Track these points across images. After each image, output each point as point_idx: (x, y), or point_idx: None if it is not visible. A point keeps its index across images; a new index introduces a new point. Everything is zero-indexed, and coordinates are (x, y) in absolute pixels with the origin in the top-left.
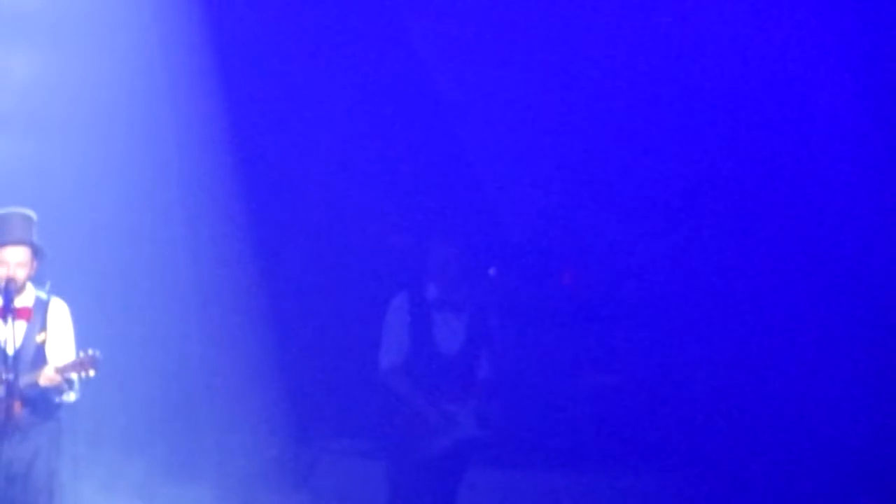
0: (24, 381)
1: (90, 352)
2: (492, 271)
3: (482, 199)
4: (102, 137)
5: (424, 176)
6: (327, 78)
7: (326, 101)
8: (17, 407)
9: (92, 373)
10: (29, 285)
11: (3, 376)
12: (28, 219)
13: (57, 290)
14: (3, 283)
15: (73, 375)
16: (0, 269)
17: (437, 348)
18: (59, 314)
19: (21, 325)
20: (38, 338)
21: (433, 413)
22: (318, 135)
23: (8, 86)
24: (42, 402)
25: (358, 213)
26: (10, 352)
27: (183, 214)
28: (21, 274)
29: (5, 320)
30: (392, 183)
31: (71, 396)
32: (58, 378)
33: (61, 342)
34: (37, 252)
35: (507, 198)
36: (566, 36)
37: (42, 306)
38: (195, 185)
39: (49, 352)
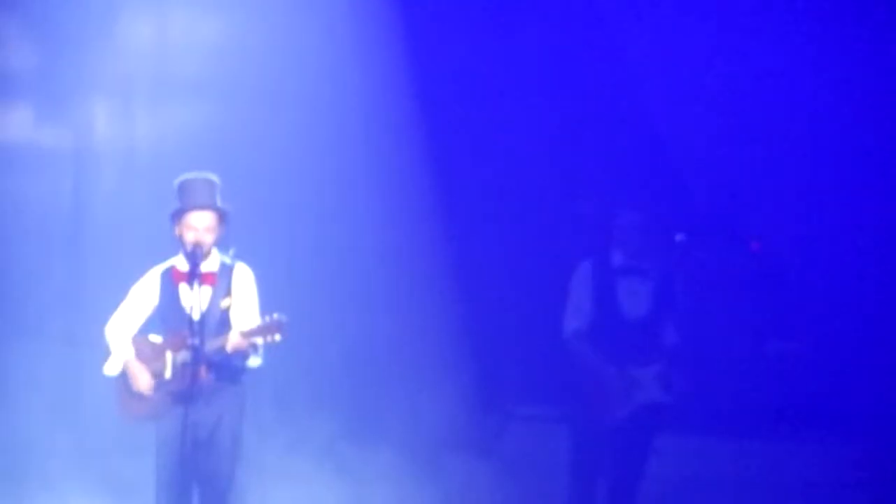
0: (209, 345)
1: (276, 316)
2: (679, 237)
3: (668, 165)
4: (291, 104)
5: (609, 143)
6: (512, 70)
7: (515, 88)
8: (203, 372)
9: (278, 337)
10: (214, 250)
11: (189, 341)
12: (212, 183)
13: (243, 255)
14: (190, 248)
15: (259, 340)
16: (187, 234)
17: (621, 314)
18: (244, 279)
19: (206, 291)
20: (224, 303)
21: (617, 378)
22: (507, 109)
23: (197, 52)
24: (227, 367)
25: (543, 182)
26: (196, 317)
27: (370, 181)
28: (208, 239)
29: (191, 285)
30: (577, 150)
31: (256, 361)
32: (244, 343)
33: (246, 308)
34: (223, 217)
35: (694, 165)
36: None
37: (227, 271)
38: (381, 154)
39: (234, 317)
